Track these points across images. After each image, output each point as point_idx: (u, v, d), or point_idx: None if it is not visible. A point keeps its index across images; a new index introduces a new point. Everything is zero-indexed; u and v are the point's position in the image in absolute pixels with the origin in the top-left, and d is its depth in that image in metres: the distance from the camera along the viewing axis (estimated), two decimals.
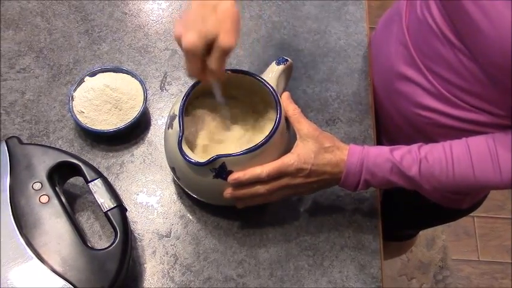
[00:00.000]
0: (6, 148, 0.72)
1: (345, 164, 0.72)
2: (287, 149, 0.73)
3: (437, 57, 0.74)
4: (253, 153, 0.70)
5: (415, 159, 0.70)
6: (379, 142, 0.93)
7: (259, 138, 0.72)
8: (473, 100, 0.74)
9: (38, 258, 0.65)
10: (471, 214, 1.07)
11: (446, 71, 0.74)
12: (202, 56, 0.65)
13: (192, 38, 0.62)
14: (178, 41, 0.64)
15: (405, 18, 0.81)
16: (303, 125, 0.73)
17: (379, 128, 0.94)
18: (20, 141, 0.74)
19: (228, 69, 0.76)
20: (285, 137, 0.74)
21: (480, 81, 0.70)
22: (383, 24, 0.94)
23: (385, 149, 0.72)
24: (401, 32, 0.82)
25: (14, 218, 0.67)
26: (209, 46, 0.64)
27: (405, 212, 1.08)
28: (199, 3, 0.65)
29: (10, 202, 0.68)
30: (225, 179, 0.71)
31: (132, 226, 0.80)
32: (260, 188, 0.72)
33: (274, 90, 0.75)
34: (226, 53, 0.64)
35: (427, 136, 0.82)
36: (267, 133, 0.71)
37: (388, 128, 0.94)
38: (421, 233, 1.64)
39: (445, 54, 0.72)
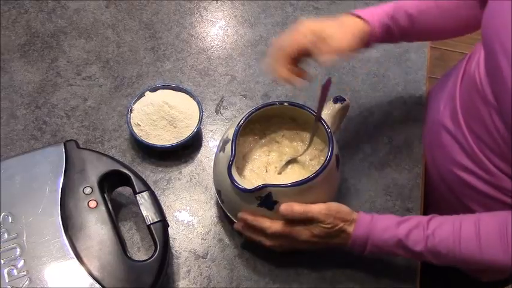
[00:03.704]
0: (63, 150, 0.75)
1: (351, 236, 0.72)
2: (335, 187, 0.73)
3: (475, 114, 0.74)
4: (300, 187, 0.70)
5: (421, 236, 0.70)
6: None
7: (309, 172, 0.73)
8: (503, 165, 0.73)
9: (78, 259, 0.67)
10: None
11: (481, 129, 0.73)
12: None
13: None
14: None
15: (462, 73, 0.82)
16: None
17: None
18: (77, 145, 0.76)
19: (286, 101, 0.77)
20: (334, 175, 0.74)
21: (508, 144, 0.69)
22: (444, 76, 0.94)
23: (392, 222, 0.72)
24: (453, 86, 0.83)
25: (61, 218, 0.69)
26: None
27: (435, 276, 1.05)
28: None
29: (60, 203, 0.70)
30: (270, 208, 0.71)
31: (171, 242, 0.81)
32: (263, 240, 0.75)
33: (328, 127, 0.75)
34: None
35: (457, 197, 0.82)
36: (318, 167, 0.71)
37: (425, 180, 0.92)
38: None
39: (482, 111, 0.72)
